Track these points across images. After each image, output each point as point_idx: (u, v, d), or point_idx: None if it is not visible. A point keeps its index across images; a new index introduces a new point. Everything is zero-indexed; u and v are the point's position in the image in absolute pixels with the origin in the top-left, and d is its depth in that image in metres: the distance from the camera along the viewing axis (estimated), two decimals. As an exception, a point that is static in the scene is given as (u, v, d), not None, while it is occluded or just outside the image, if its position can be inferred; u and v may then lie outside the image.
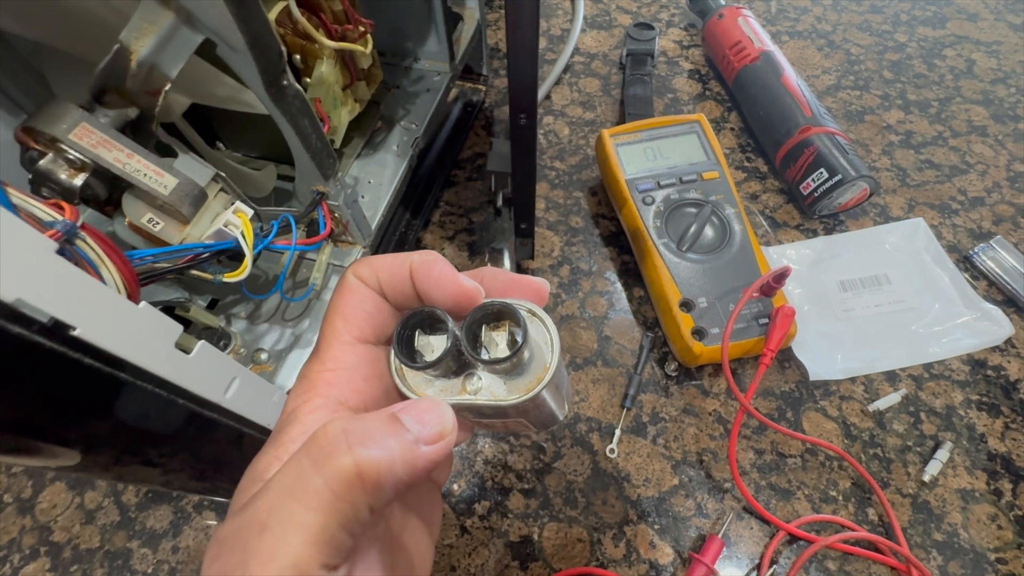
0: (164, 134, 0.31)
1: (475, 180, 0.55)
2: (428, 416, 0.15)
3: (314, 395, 0.17)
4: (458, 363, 0.17)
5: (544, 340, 0.17)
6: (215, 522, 0.39)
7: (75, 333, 0.18)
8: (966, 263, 0.48)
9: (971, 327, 0.44)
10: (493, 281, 0.19)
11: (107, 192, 0.29)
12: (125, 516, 0.40)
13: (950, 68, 0.61)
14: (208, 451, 0.29)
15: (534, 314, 0.18)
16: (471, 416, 0.19)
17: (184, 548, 0.38)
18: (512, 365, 0.16)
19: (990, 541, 0.36)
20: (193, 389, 0.24)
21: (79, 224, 0.23)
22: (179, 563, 0.38)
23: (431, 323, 0.18)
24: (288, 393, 0.18)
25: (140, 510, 0.40)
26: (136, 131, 0.29)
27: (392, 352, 0.17)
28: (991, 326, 0.43)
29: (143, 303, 0.21)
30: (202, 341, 0.24)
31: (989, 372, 0.43)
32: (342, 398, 0.17)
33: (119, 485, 0.41)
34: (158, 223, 0.29)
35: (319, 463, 0.14)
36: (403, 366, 0.18)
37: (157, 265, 0.27)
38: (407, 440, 0.14)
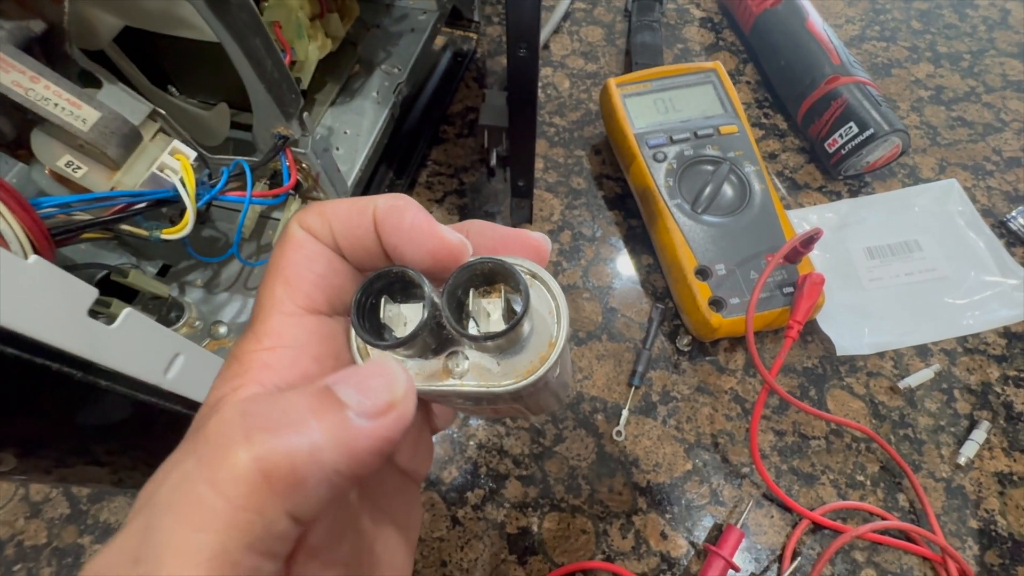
0: (86, 60, 0.25)
1: (466, 137, 0.50)
2: (373, 382, 0.12)
3: (247, 380, 0.13)
4: (438, 339, 0.14)
5: (547, 309, 0.14)
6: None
7: (-77, 294, 0.13)
8: (1002, 228, 0.44)
9: (1008, 297, 0.40)
10: (481, 236, 0.15)
11: (15, 130, 0.24)
12: (76, 509, 0.35)
13: (983, 18, 0.56)
14: (163, 445, 0.25)
15: (535, 276, 0.14)
16: (456, 402, 0.15)
17: (142, 544, 0.34)
18: (508, 341, 0.13)
19: (1030, 528, 0.33)
20: (120, 368, 0.20)
21: (-43, 159, 0.18)
22: (137, 560, 0.34)
23: (402, 288, 0.14)
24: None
25: (92, 502, 0.36)
26: (48, 53, 0.24)
27: (351, 326, 0.14)
28: (1031, 296, 0.40)
29: (34, 257, 0.16)
30: (128, 308, 0.20)
31: (1028, 346, 0.39)
32: (284, 384, 0.13)
33: (64, 484, 0.37)
34: (79, 168, 0.23)
35: (206, 463, 0.10)
36: (366, 345, 0.14)
37: (75, 216, 0.22)
38: (339, 418, 0.11)
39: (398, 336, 0.13)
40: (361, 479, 0.11)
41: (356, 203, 0.14)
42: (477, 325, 0.14)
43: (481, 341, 0.13)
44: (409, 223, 0.13)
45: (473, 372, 0.14)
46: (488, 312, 0.14)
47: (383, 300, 0.14)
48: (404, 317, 0.14)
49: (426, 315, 0.13)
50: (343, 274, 0.14)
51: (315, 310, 0.14)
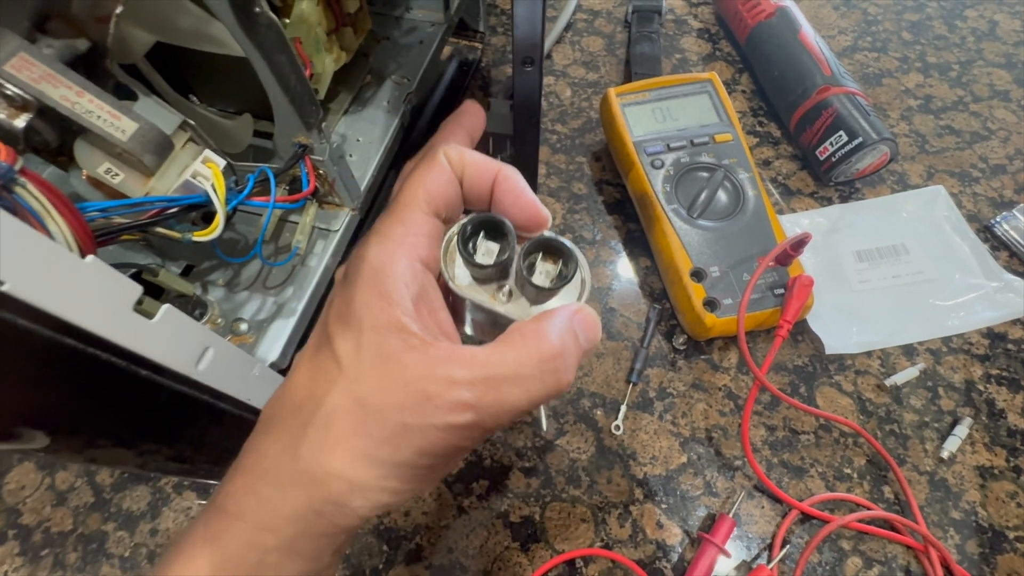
0: (123, 74, 0.27)
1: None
2: (592, 334, 0.19)
3: (400, 256, 0.18)
4: (499, 273, 0.20)
5: (575, 283, 0.20)
6: (196, 503, 0.37)
7: (3, 288, 0.15)
8: (986, 233, 0.45)
9: (991, 299, 0.42)
10: (505, 181, 0.20)
11: (59, 139, 0.26)
12: (100, 497, 0.37)
13: (972, 30, 0.58)
14: (186, 431, 0.27)
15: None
16: (480, 315, 0.21)
17: (163, 531, 0.36)
18: (548, 295, 0.19)
19: (1009, 519, 0.35)
20: (159, 359, 0.22)
21: (17, 168, 0.20)
22: (158, 546, 0.36)
23: (494, 230, 0.19)
24: (362, 243, 0.20)
25: (116, 491, 0.37)
26: (89, 69, 0.26)
27: (455, 241, 0.19)
28: (1013, 298, 0.42)
29: (91, 257, 0.18)
30: (167, 305, 0.21)
31: (1010, 346, 0.41)
32: (418, 257, 0.19)
33: (92, 465, 0.38)
34: (117, 174, 0.25)
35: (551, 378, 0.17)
36: (457, 255, 0.20)
37: (116, 220, 0.24)
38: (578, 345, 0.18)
39: (480, 262, 0.19)
40: None
41: (486, 160, 0.20)
42: (532, 276, 0.19)
43: (540, 289, 0.18)
44: (519, 190, 0.19)
45: (511, 304, 0.20)
46: (540, 270, 0.19)
47: (481, 233, 0.20)
48: (487, 249, 0.20)
49: (506, 257, 0.19)
50: (456, 198, 0.20)
51: (437, 215, 0.20)
